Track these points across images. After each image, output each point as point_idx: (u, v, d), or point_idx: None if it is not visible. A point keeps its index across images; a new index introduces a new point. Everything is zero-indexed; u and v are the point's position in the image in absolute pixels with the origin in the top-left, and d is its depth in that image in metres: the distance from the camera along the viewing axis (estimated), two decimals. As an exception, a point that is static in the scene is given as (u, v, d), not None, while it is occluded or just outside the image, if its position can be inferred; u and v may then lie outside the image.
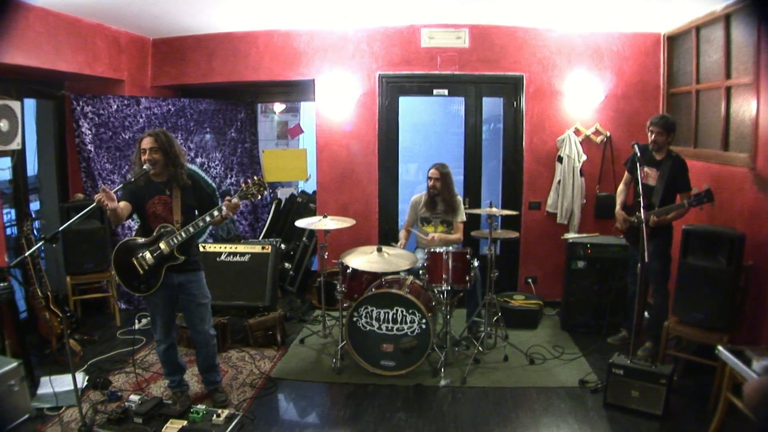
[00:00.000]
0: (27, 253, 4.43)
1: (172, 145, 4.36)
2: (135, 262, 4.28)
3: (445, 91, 7.15)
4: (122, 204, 4.21)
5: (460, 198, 6.14)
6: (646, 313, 5.53)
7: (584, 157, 6.72)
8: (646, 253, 4.44)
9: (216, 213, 4.21)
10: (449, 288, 5.34)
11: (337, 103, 7.15)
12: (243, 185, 4.27)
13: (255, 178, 4.28)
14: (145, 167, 4.22)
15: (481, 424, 4.39)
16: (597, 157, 6.83)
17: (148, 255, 4.25)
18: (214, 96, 7.85)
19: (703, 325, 4.61)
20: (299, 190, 8.59)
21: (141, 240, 4.33)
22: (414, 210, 6.22)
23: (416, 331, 5.06)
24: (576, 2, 5.79)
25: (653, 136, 5.15)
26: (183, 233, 4.21)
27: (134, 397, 4.45)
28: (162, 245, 4.23)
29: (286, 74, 7.28)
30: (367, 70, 7.09)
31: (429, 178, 6.01)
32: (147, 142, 4.30)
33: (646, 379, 4.34)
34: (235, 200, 4.22)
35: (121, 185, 4.46)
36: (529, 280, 7.12)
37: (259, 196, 4.29)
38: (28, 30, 5.54)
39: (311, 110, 7.74)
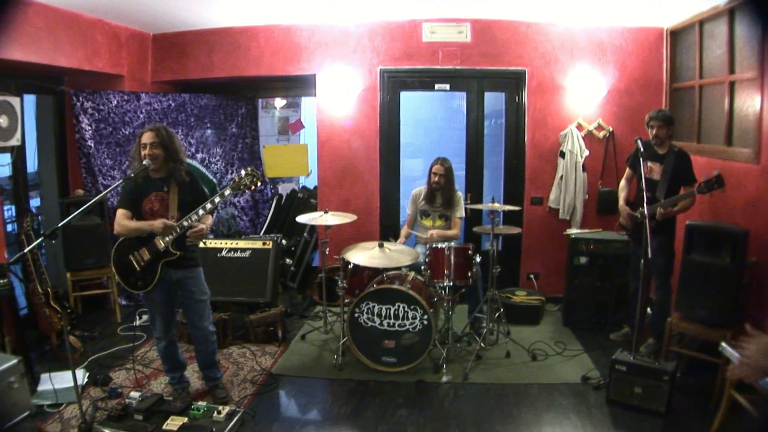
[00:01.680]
0: (27, 249, 4.40)
1: (173, 140, 4.35)
2: (132, 259, 4.28)
3: (447, 86, 7.11)
4: (125, 214, 4.29)
5: (460, 194, 6.12)
6: (649, 310, 5.51)
7: (587, 153, 6.69)
8: (649, 249, 4.42)
9: (209, 206, 4.20)
10: (451, 284, 5.32)
11: (338, 98, 7.12)
12: (236, 177, 4.26)
13: (248, 169, 4.26)
14: (144, 162, 4.20)
15: (482, 420, 4.38)
16: (599, 153, 6.80)
17: (144, 251, 4.24)
18: (215, 91, 7.83)
19: (706, 321, 4.59)
20: (300, 186, 8.58)
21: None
22: (414, 203, 6.21)
23: (418, 327, 5.05)
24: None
25: (654, 130, 5.14)
26: (178, 228, 4.19)
27: (135, 394, 4.43)
28: (157, 241, 4.22)
29: (287, 69, 7.25)
30: (368, 65, 7.06)
31: (433, 173, 5.97)
32: (147, 137, 4.28)
33: (649, 375, 4.33)
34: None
35: (120, 181, 4.44)
36: (531, 276, 7.10)
37: (253, 187, 4.26)
38: (28, 25, 5.52)
39: (312, 105, 7.73)
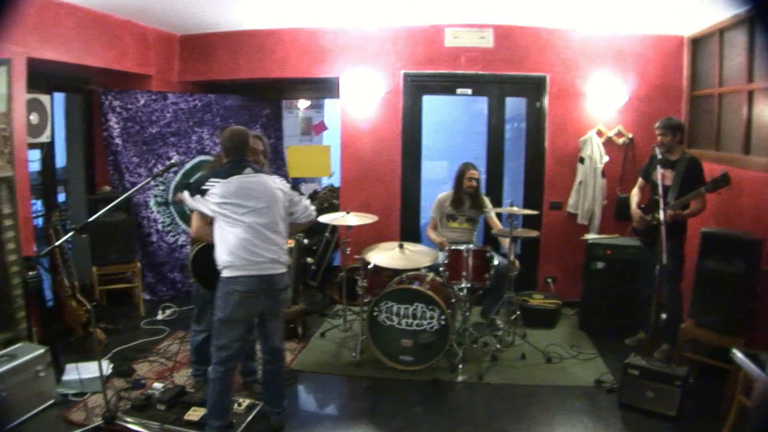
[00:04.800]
0: (58, 243, 4.55)
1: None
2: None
3: (469, 91, 7.20)
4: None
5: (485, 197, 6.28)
6: (663, 315, 5.55)
7: (606, 159, 6.73)
8: (664, 255, 4.47)
9: None
10: (468, 285, 5.40)
11: (361, 101, 7.23)
12: None
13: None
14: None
15: (496, 420, 4.46)
16: (619, 159, 6.84)
17: None
18: (239, 92, 7.96)
19: (718, 328, 4.63)
20: (322, 186, 8.69)
21: None
22: (440, 208, 6.34)
23: (435, 327, 5.13)
24: (599, 4, 5.81)
25: (659, 138, 5.25)
26: None
27: (157, 385, 4.61)
28: None
29: (312, 71, 7.38)
30: (391, 69, 7.16)
31: (468, 178, 6.10)
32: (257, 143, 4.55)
33: (661, 380, 4.38)
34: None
35: (148, 179, 4.56)
36: (549, 280, 7.15)
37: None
38: (59, 26, 5.69)
39: (334, 107, 7.82)
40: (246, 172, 3.98)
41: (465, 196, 6.20)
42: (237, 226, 3.82)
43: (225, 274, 3.84)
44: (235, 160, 4.07)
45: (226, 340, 3.87)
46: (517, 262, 5.81)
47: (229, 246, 3.80)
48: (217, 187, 3.86)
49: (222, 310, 3.85)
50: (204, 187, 3.95)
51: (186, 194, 4.01)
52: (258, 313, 3.99)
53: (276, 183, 4.08)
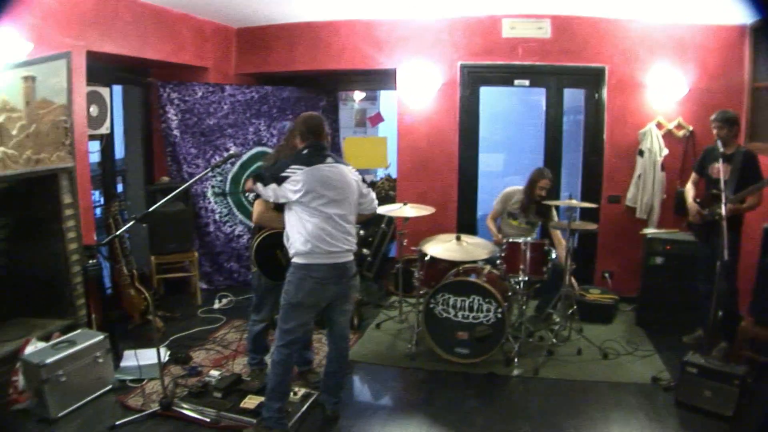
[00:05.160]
0: (120, 231, 4.68)
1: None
2: (278, 254, 4.37)
3: (526, 82, 7.16)
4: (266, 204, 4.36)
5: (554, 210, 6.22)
6: (720, 312, 5.47)
7: (666, 152, 6.61)
8: (725, 251, 4.40)
9: None
10: (526, 279, 5.41)
11: (418, 92, 7.26)
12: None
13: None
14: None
15: (550, 415, 4.47)
16: (678, 152, 6.71)
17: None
18: (295, 84, 8.05)
19: (780, 327, 4.55)
20: (378, 178, 8.74)
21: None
22: (505, 202, 6.26)
23: (491, 320, 5.14)
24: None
25: (716, 131, 5.16)
26: None
27: (214, 373, 4.71)
28: None
29: (368, 63, 7.44)
30: (448, 60, 7.17)
31: (540, 187, 5.97)
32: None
33: (720, 379, 4.31)
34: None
35: (207, 170, 4.72)
36: (606, 275, 7.08)
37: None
38: (117, 20, 5.85)
39: (389, 98, 7.84)
40: (327, 161, 3.95)
41: (533, 205, 6.11)
42: (315, 216, 3.83)
43: (299, 260, 3.88)
44: (313, 146, 4.02)
45: (293, 324, 3.93)
46: (575, 282, 5.82)
47: (306, 234, 3.82)
48: (299, 174, 3.81)
49: (293, 296, 3.89)
50: (284, 174, 3.85)
51: (259, 185, 3.96)
52: (328, 299, 4.03)
53: (352, 174, 4.10)
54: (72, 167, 5.25)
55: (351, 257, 4.03)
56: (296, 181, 3.81)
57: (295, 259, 3.90)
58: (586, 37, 6.83)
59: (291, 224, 3.93)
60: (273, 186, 3.87)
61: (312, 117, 4.15)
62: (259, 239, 4.38)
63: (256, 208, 4.38)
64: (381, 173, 8.85)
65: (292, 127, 4.41)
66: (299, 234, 3.85)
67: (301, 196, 3.81)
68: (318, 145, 4.04)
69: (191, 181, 4.75)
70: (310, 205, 3.83)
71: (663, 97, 6.71)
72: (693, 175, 5.65)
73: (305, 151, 4.02)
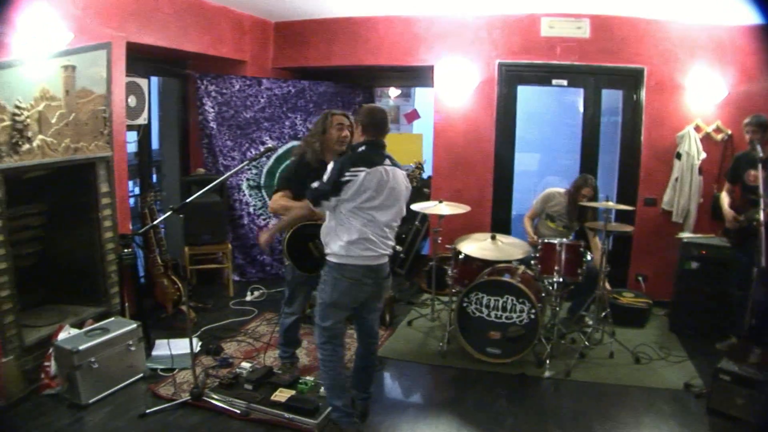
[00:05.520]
0: (157, 221, 4.77)
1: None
2: (312, 247, 4.37)
3: (564, 82, 7.12)
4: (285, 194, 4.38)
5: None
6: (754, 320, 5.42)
7: (703, 155, 6.53)
8: (764, 257, 4.36)
9: None
10: (560, 280, 5.40)
11: (455, 90, 7.25)
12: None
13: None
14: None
15: (581, 417, 4.47)
16: (717, 156, 6.62)
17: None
18: (332, 79, 8.09)
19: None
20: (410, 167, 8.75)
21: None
22: (545, 203, 6.20)
23: (524, 320, 5.15)
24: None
25: (749, 135, 5.14)
26: None
27: (245, 365, 4.76)
28: None
29: (406, 59, 7.45)
30: (486, 58, 7.15)
31: (582, 195, 5.91)
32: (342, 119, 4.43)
33: (753, 387, 4.26)
34: None
35: (246, 162, 4.81)
36: (640, 278, 7.02)
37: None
38: (157, 11, 5.93)
39: (424, 95, 7.82)
40: (386, 163, 3.77)
41: (574, 212, 6.08)
42: (359, 218, 3.72)
43: (334, 260, 3.81)
44: (372, 144, 3.84)
45: (331, 322, 3.93)
46: (608, 285, 5.80)
47: (347, 236, 3.73)
48: (361, 177, 3.62)
49: (329, 295, 3.88)
50: (345, 179, 3.64)
51: (324, 203, 3.76)
52: (363, 298, 3.99)
53: (405, 181, 3.97)
54: (110, 157, 5.35)
55: (386, 260, 3.99)
56: (356, 182, 3.65)
57: (330, 258, 3.85)
58: (625, 38, 6.77)
59: (332, 222, 3.84)
60: (335, 198, 3.71)
61: (377, 110, 3.93)
62: (291, 231, 4.39)
63: (278, 201, 4.38)
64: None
65: (323, 119, 4.42)
66: (339, 234, 3.76)
67: (353, 194, 3.67)
68: (378, 143, 3.87)
69: (229, 174, 4.82)
70: (356, 206, 3.71)
71: (702, 100, 6.62)
72: (726, 185, 5.61)
73: (363, 149, 3.83)
